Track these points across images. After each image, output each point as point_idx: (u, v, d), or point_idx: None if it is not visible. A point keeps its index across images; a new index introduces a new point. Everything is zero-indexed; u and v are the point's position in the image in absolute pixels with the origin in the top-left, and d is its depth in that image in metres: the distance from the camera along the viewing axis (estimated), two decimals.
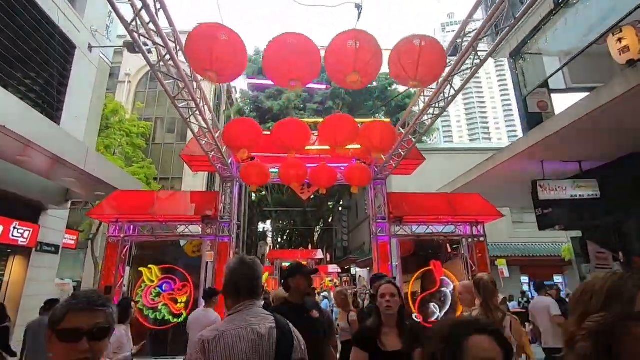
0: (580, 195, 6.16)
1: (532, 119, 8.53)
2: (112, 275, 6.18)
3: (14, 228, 8.27)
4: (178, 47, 3.91)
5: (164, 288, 6.28)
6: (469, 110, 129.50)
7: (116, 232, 6.49)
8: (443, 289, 6.68)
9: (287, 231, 45.52)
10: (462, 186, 8.21)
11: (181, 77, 4.05)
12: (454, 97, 4.84)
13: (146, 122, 20.52)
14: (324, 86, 24.02)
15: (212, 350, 1.41)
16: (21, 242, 8.46)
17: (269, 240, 52.98)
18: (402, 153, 6.39)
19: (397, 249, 6.71)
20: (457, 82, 4.68)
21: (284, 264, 27.46)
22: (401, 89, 28.28)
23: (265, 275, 18.90)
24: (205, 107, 5.00)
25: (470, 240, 6.99)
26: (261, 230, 55.42)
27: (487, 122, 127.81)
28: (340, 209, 43.16)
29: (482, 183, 7.77)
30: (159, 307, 6.30)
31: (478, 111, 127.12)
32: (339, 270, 26.60)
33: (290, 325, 1.65)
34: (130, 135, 17.46)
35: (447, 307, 6.60)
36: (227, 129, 5.16)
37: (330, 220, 44.91)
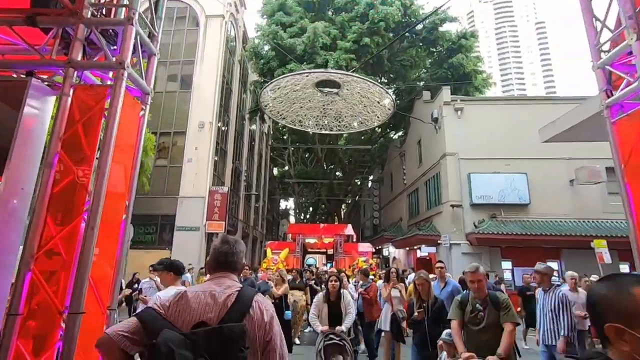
0: None
1: None
2: None
3: None
4: None
5: None
6: (502, 62, 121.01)
7: None
8: None
9: (311, 208, 41.71)
10: None
11: None
12: None
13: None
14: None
15: (172, 307, 1.55)
16: None
17: (292, 218, 49.55)
18: None
19: None
20: None
21: (306, 241, 23.51)
22: (453, 27, 23.07)
23: (285, 252, 15.29)
24: None
25: None
26: (283, 208, 51.90)
27: (522, 72, 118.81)
28: (370, 183, 38.84)
29: None
30: None
31: (513, 61, 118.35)
32: (373, 250, 22.34)
33: (259, 302, 1.63)
34: None
35: None
36: None
37: (357, 198, 40.76)
